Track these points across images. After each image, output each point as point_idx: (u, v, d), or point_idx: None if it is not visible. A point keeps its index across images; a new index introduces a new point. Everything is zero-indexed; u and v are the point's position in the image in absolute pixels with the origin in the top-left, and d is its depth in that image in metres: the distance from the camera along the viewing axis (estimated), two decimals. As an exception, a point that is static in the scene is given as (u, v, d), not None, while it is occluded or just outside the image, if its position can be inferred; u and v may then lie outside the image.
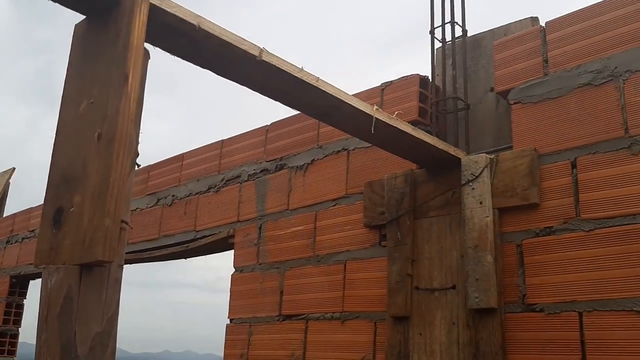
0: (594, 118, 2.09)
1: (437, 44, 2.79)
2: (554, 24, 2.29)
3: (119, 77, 1.24)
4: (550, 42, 2.28)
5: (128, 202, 1.26)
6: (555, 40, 2.27)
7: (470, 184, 2.28)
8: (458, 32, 2.73)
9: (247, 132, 3.42)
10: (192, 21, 1.45)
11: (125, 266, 4.16)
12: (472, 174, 2.28)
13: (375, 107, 2.01)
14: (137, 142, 1.31)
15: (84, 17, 1.40)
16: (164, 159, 3.98)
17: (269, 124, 3.31)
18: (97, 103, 1.28)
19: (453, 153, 2.32)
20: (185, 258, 3.70)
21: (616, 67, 2.07)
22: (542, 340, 2.03)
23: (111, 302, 1.24)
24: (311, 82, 1.78)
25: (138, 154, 1.31)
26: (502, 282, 2.16)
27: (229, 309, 3.19)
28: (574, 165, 2.10)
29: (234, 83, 1.81)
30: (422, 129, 2.34)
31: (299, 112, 2.12)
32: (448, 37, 2.74)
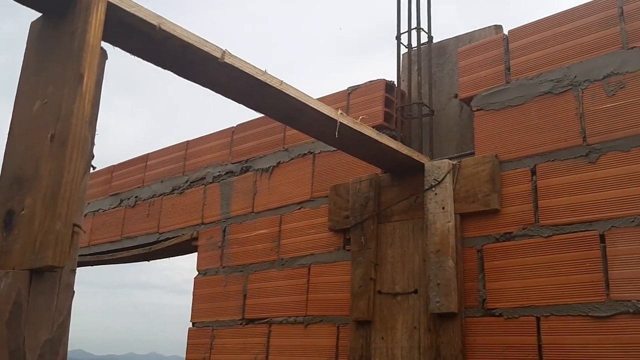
0: (554, 126, 2.13)
1: (404, 50, 2.81)
2: (516, 32, 2.33)
3: (73, 77, 1.21)
4: (513, 50, 2.32)
5: (82, 205, 1.23)
6: (517, 48, 2.31)
7: (433, 189, 2.29)
8: (424, 38, 2.76)
9: (212, 133, 3.39)
10: (152, 21, 1.43)
11: (88, 268, 4.05)
12: (435, 179, 2.30)
13: (340, 111, 2.01)
14: (93, 144, 1.28)
15: (40, 14, 1.37)
16: (129, 159, 3.91)
17: (235, 125, 3.28)
18: (51, 103, 1.24)
19: (417, 158, 2.34)
20: (148, 260, 3.65)
21: (575, 77, 2.12)
22: (501, 345, 2.06)
23: (62, 308, 1.21)
24: (275, 86, 1.77)
25: (93, 156, 1.28)
26: (462, 287, 2.19)
27: (192, 312, 3.15)
28: (533, 172, 2.14)
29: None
30: (387, 134, 2.35)
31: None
32: (414, 43, 2.77)
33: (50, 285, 1.18)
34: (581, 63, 2.12)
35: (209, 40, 1.59)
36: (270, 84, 1.75)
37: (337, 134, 1.99)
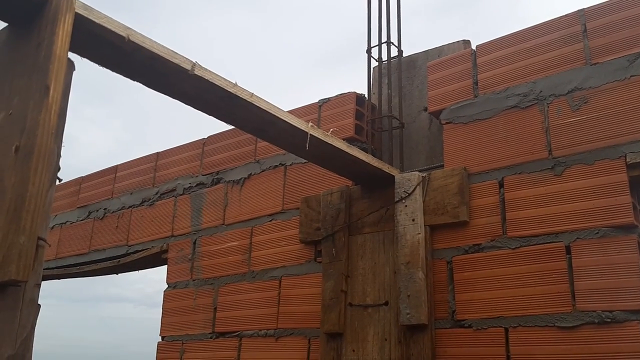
0: (520, 139, 2.17)
1: (374, 63, 2.84)
2: (484, 47, 2.38)
3: (39, 88, 1.19)
4: (481, 65, 2.36)
5: (47, 218, 1.21)
6: (485, 63, 2.35)
7: (403, 201, 2.31)
8: (394, 52, 2.79)
9: (183, 144, 3.36)
10: (121, 33, 1.42)
11: (57, 281, 3.95)
12: (405, 191, 2.32)
13: (310, 123, 2.02)
14: (59, 156, 1.26)
15: (6, 24, 1.35)
16: (98, 170, 3.85)
17: (206, 137, 3.27)
18: (16, 114, 1.22)
19: (387, 171, 2.35)
20: (117, 273, 3.58)
21: (541, 91, 2.17)
22: (471, 356, 2.07)
23: (26, 324, 1.18)
24: (245, 98, 1.77)
25: (59, 168, 1.26)
26: (432, 299, 2.20)
27: (161, 326, 3.11)
28: (501, 185, 2.18)
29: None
30: (358, 146, 2.37)
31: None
32: (384, 57, 2.80)
33: (13, 301, 1.15)
34: (546, 78, 2.17)
35: (178, 53, 1.58)
36: (241, 96, 1.75)
37: (307, 146, 2.00)
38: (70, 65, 1.32)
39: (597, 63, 2.07)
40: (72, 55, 1.38)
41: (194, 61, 1.61)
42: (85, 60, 1.50)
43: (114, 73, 1.59)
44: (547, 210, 2.04)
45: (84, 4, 1.35)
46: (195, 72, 1.61)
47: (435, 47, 2.74)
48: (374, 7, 2.88)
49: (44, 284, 1.26)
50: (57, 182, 1.28)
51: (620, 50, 2.03)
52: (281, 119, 1.90)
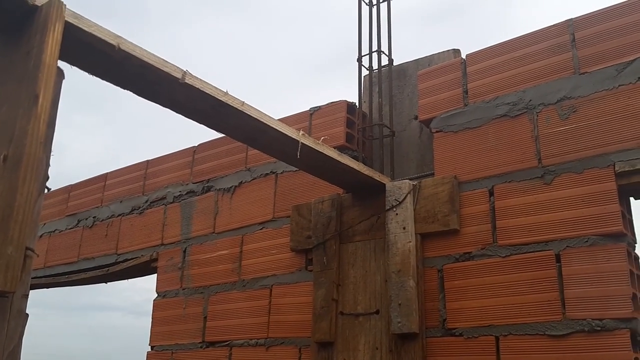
0: (510, 148, 2.18)
1: (365, 72, 2.85)
2: (473, 56, 2.39)
3: (28, 97, 1.18)
4: (470, 74, 2.37)
5: (35, 228, 1.20)
6: (474, 72, 2.36)
7: (394, 209, 2.31)
8: (384, 61, 2.80)
9: (173, 152, 3.35)
10: (111, 41, 1.41)
11: (43, 290, 3.90)
12: (396, 199, 2.32)
13: (301, 132, 2.01)
14: (48, 165, 1.25)
15: (-6, 32, 1.34)
16: (87, 178, 3.83)
17: (196, 145, 3.26)
18: (4, 123, 1.21)
19: (378, 179, 2.36)
20: (106, 282, 3.55)
21: (530, 100, 2.18)
22: (462, 364, 2.07)
23: (13, 335, 1.17)
24: (236, 106, 1.76)
25: (48, 178, 1.25)
26: (423, 307, 2.20)
27: (150, 335, 3.08)
28: (491, 193, 2.18)
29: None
30: (349, 155, 2.37)
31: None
32: (375, 66, 2.81)
33: (0, 311, 1.14)
34: (535, 87, 2.18)
35: (169, 61, 1.58)
36: (232, 104, 1.74)
37: (298, 154, 2.00)
38: (60, 74, 1.31)
39: (586, 72, 2.09)
40: (61, 64, 1.38)
41: (185, 70, 1.61)
42: (74, 68, 1.50)
43: (103, 81, 1.58)
44: (537, 218, 2.05)
45: (74, 12, 1.34)
46: (186, 81, 1.60)
47: (426, 56, 2.75)
48: (364, 16, 2.90)
49: (31, 292, 1.25)
50: (46, 192, 1.27)
51: (609, 59, 2.05)
52: (272, 128, 1.90)
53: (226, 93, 1.74)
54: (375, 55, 2.81)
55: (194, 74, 1.64)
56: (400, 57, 2.85)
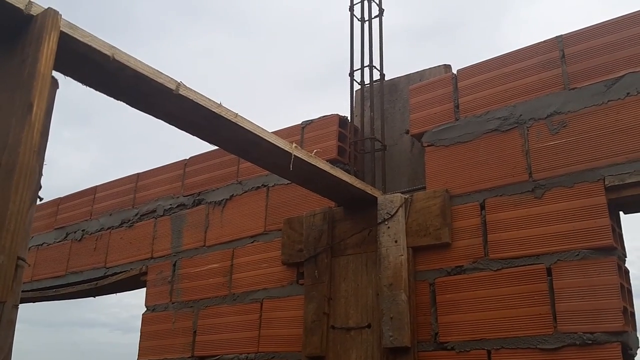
0: (501, 162, 2.20)
1: (357, 86, 2.86)
2: (464, 72, 2.42)
3: (22, 106, 1.18)
4: (461, 89, 2.40)
5: (27, 237, 1.19)
6: (465, 87, 2.39)
7: (386, 222, 2.32)
8: (376, 75, 2.82)
9: (164, 165, 3.34)
10: (106, 52, 1.41)
11: (28, 305, 3.85)
12: (387, 213, 2.32)
13: (294, 144, 2.02)
14: (40, 175, 1.25)
15: (-12, 41, 1.34)
16: (77, 191, 3.80)
17: (187, 158, 3.25)
18: (-3, 132, 1.20)
19: (370, 192, 2.36)
20: (94, 296, 3.51)
21: (521, 115, 2.20)
22: (453, 378, 2.06)
23: (3, 346, 1.15)
24: (229, 118, 1.77)
25: (40, 187, 1.24)
26: (415, 321, 2.20)
27: (139, 350, 3.04)
28: (482, 207, 2.19)
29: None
30: (340, 168, 2.38)
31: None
32: (367, 80, 2.83)
33: (-11, 322, 1.12)
34: (526, 102, 2.21)
35: (163, 72, 1.58)
36: (225, 116, 1.75)
37: (291, 166, 2.00)
38: (54, 84, 1.31)
39: (576, 88, 2.11)
40: (55, 74, 1.37)
41: (179, 81, 1.61)
42: (65, 80, 1.49)
43: (93, 94, 1.58)
44: (528, 232, 2.06)
45: (69, 22, 1.34)
46: (180, 92, 1.61)
47: (417, 71, 2.77)
48: (356, 31, 2.92)
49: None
50: (38, 202, 1.26)
51: (598, 75, 2.08)
52: (265, 140, 1.90)
53: (220, 105, 1.74)
54: (367, 70, 2.83)
55: (188, 86, 1.64)
56: (390, 74, 2.87)
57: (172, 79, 1.60)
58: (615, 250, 1.91)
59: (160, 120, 1.79)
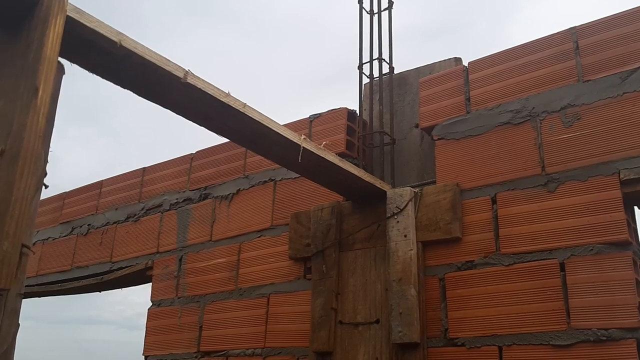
0: (513, 156, 2.16)
1: (365, 80, 2.83)
2: (475, 64, 2.38)
3: (28, 90, 1.15)
4: (472, 81, 2.36)
5: (32, 224, 1.16)
6: (477, 80, 2.35)
7: (395, 217, 2.28)
8: (385, 69, 2.79)
9: (170, 160, 3.31)
10: (113, 38, 1.38)
11: (34, 300, 3.83)
12: (397, 207, 2.29)
13: (303, 136, 1.99)
14: (46, 161, 1.22)
15: (-7, 26, 1.31)
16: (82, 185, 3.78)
17: (193, 152, 3.22)
18: (2, 116, 1.18)
19: (379, 186, 2.33)
20: (100, 291, 3.50)
21: (534, 108, 2.16)
22: (463, 375, 2.03)
23: (7, 335, 1.12)
24: (238, 108, 1.74)
25: (46, 174, 1.21)
26: (425, 316, 2.16)
27: (144, 345, 3.02)
28: (494, 201, 2.16)
29: (160, 108, 1.74)
30: (349, 162, 2.34)
31: (225, 139, 2.06)
32: (376, 74, 2.79)
33: (-7, 311, 1.10)
34: (539, 95, 2.17)
35: (171, 60, 1.55)
36: (234, 106, 1.72)
37: (300, 159, 1.97)
38: (60, 69, 1.28)
39: (590, 80, 2.07)
40: (61, 61, 1.35)
41: (187, 69, 1.58)
42: (69, 76, 1.46)
43: (101, 91, 1.56)
44: (541, 226, 2.02)
45: (75, 7, 1.31)
46: (188, 80, 1.58)
47: (427, 65, 2.74)
48: (365, 24, 2.89)
49: (22, 302, 1.20)
50: (43, 188, 1.24)
51: (613, 67, 2.04)
52: (274, 131, 1.87)
53: (228, 94, 1.71)
54: (376, 63, 2.79)
55: (196, 74, 1.61)
56: (400, 66, 2.84)
57: (179, 66, 1.57)
58: (631, 245, 1.87)
59: (167, 114, 1.76)
